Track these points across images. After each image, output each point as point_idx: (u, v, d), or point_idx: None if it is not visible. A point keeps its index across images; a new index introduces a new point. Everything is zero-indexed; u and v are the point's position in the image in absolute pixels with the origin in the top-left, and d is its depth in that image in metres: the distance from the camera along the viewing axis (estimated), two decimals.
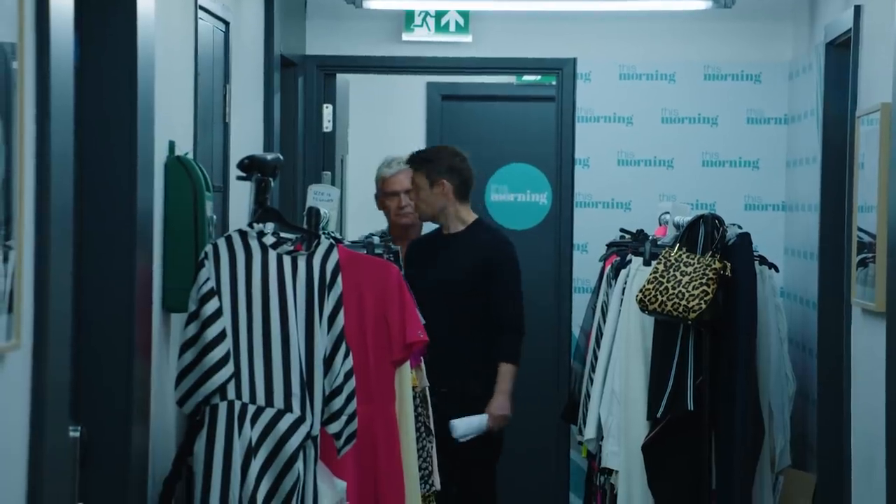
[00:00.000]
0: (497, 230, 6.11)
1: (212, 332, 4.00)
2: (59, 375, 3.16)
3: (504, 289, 5.77)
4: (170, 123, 4.18)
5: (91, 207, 3.75)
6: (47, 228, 3.06)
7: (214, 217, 4.31)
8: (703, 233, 5.25)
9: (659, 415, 5.05)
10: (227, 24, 5.06)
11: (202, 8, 4.62)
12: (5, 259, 2.86)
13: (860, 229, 4.86)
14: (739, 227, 5.46)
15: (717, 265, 5.15)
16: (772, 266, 5.61)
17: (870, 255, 4.70)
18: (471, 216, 5.89)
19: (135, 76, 3.76)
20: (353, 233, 6.97)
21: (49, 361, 3.07)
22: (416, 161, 5.81)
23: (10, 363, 2.94)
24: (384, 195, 6.20)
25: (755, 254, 5.45)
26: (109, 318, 3.76)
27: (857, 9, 5.09)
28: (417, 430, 4.93)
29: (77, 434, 3.60)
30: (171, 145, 4.17)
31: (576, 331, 6.46)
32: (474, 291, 5.74)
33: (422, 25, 6.92)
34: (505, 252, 5.82)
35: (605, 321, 5.46)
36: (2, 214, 2.85)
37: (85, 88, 3.70)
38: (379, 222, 6.40)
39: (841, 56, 5.45)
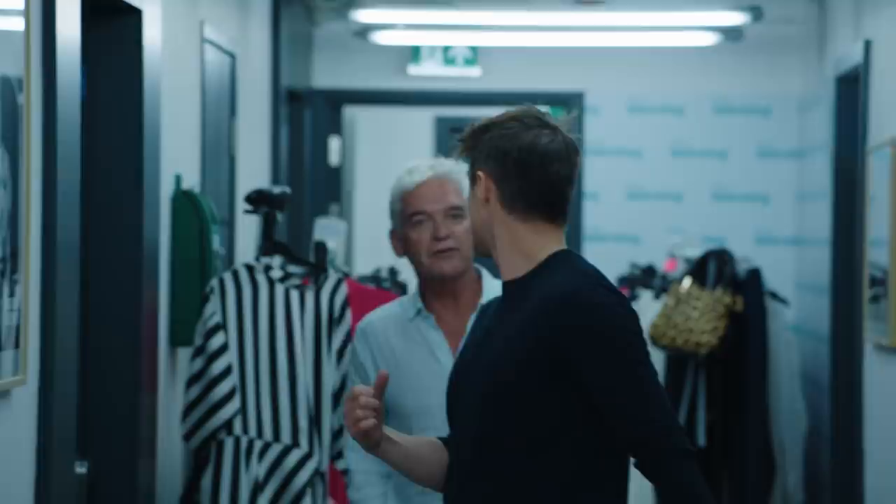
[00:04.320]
0: (583, 273, 2.77)
1: (218, 366, 3.96)
2: (66, 410, 3.12)
3: (616, 376, 2.54)
4: (176, 157, 4.16)
5: (97, 241, 3.73)
6: (54, 263, 3.03)
7: (221, 250, 4.28)
8: (713, 268, 5.22)
9: None
10: (233, 56, 5.04)
11: (209, 41, 4.61)
12: (11, 294, 2.83)
13: (872, 264, 4.83)
14: (750, 262, 5.43)
15: (728, 300, 5.11)
16: (783, 301, 5.57)
17: (882, 289, 4.66)
18: (543, 248, 2.81)
19: (141, 109, 3.74)
20: (361, 267, 6.94)
21: (55, 396, 3.04)
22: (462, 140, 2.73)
23: (16, 398, 2.91)
24: (407, 222, 3.25)
25: (766, 289, 5.42)
26: (116, 352, 3.73)
27: (867, 43, 5.07)
28: None
29: (83, 470, 3.56)
30: (178, 179, 4.14)
31: None
32: (540, 391, 2.57)
33: (430, 58, 6.91)
34: (602, 315, 2.62)
35: None
36: (8, 248, 2.82)
37: (91, 122, 3.68)
38: (388, 253, 6.17)
39: (851, 90, 5.42)
